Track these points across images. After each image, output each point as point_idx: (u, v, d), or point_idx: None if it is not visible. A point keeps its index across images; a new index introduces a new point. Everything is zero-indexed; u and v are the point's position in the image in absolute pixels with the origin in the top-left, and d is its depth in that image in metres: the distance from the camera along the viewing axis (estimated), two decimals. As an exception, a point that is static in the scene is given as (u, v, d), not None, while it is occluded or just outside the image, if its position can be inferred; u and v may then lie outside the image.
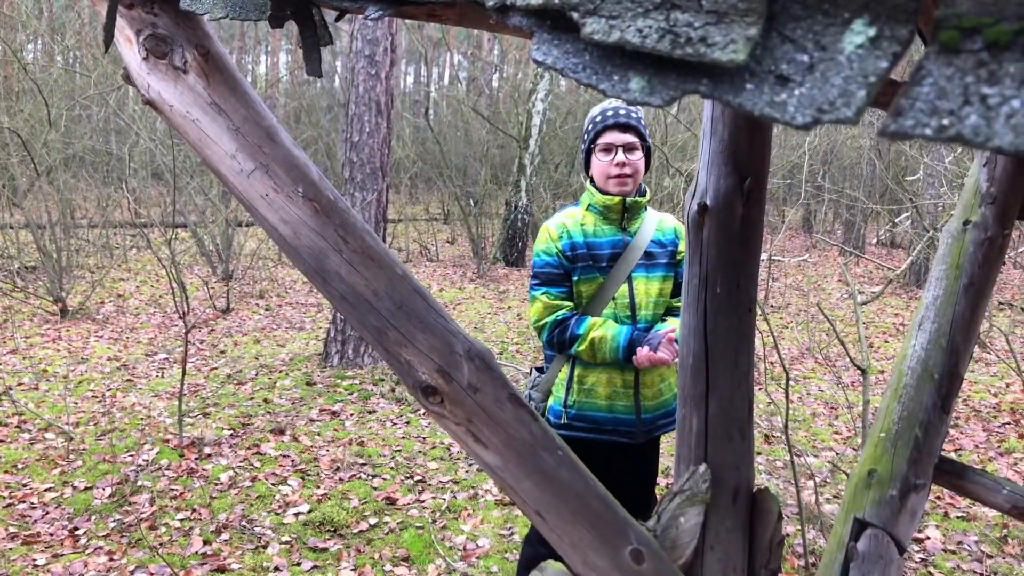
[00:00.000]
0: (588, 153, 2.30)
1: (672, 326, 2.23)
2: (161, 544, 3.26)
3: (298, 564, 3.14)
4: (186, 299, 5.35)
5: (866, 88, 0.44)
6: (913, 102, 0.41)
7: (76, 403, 5.03)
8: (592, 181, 2.32)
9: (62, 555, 3.15)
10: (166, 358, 6.28)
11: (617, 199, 2.25)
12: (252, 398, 5.25)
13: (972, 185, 1.63)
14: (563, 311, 2.25)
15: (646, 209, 2.35)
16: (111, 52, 1.14)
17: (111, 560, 3.12)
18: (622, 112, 2.23)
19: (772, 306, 9.21)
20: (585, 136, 2.31)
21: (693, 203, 1.34)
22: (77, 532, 3.35)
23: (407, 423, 4.85)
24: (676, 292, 2.36)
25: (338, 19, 1.13)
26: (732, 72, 0.50)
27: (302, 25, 0.99)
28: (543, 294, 2.27)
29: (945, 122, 0.40)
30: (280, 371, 5.94)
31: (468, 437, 1.18)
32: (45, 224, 8.54)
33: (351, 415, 4.97)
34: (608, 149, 2.23)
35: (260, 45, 31.14)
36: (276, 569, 3.10)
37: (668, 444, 4.61)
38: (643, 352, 2.13)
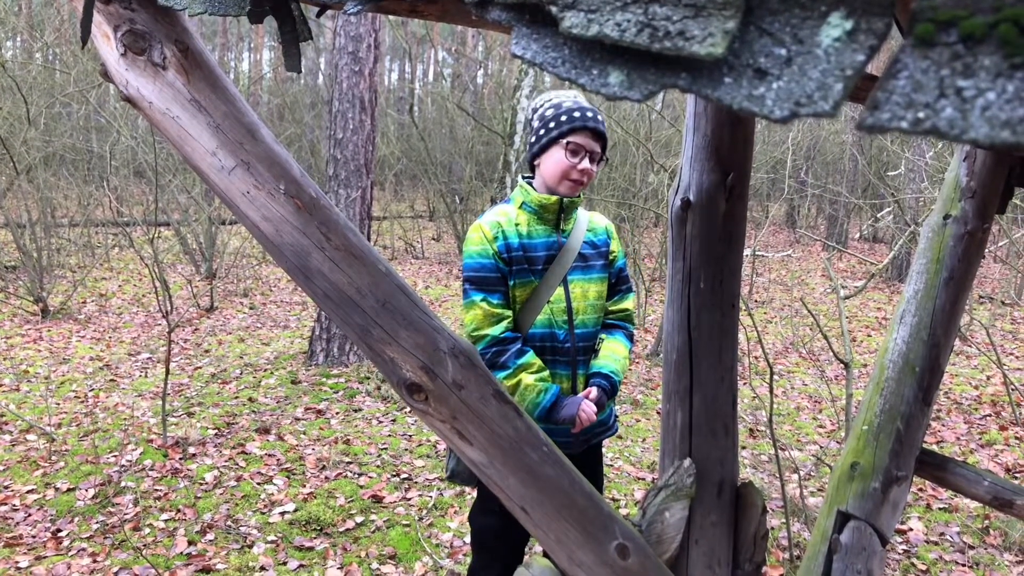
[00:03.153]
0: (547, 143, 2.16)
1: (597, 376, 2.17)
2: (145, 545, 3.23)
3: (284, 563, 3.13)
4: (169, 298, 5.31)
5: (843, 81, 0.45)
6: (889, 95, 0.41)
7: (58, 404, 4.98)
8: (526, 176, 2.22)
9: (45, 557, 3.12)
10: (149, 358, 6.24)
11: (555, 199, 2.14)
12: (237, 397, 5.22)
13: (952, 180, 1.65)
14: (504, 323, 2.13)
15: (578, 208, 2.28)
16: (92, 49, 1.13)
17: (95, 562, 3.09)
18: (600, 118, 2.15)
19: (756, 301, 9.27)
20: (551, 125, 2.16)
21: (676, 199, 1.34)
22: (60, 534, 3.32)
23: (393, 421, 4.84)
24: (611, 294, 2.31)
25: (319, 14, 1.12)
26: (710, 66, 0.50)
27: (281, 20, 0.98)
28: (483, 300, 2.12)
29: (921, 115, 0.40)
30: (265, 370, 5.91)
31: (453, 434, 1.17)
32: (25, 223, 8.45)
33: (337, 413, 4.96)
34: (577, 151, 2.12)
35: (243, 42, 30.91)
36: (262, 569, 3.08)
37: (654, 439, 4.63)
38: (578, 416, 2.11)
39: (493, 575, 2.38)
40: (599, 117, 2.17)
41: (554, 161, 2.16)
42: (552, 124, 2.18)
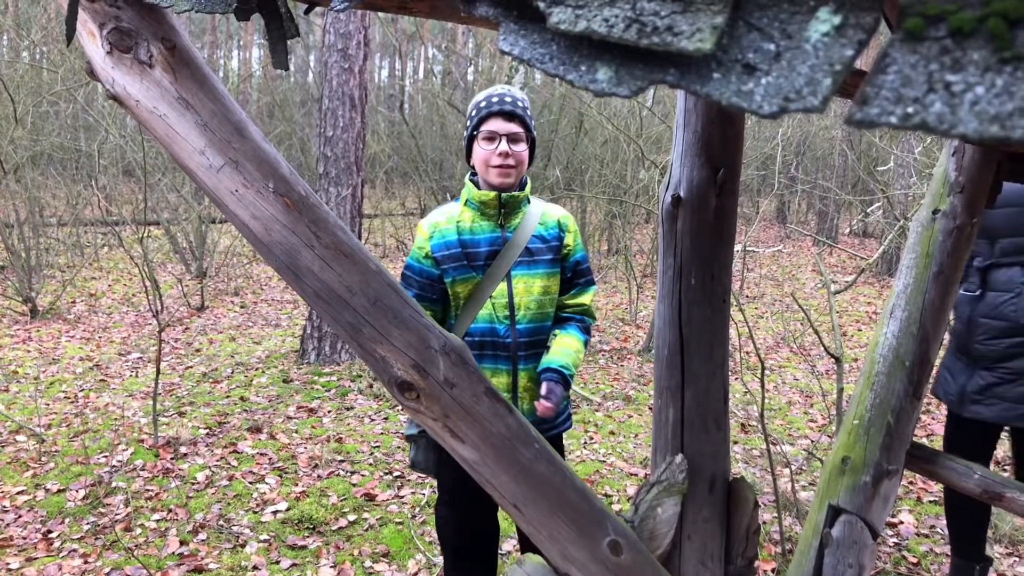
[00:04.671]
0: (471, 140, 2.18)
1: (547, 371, 2.15)
2: (137, 545, 3.22)
3: (277, 563, 3.12)
4: (159, 297, 5.29)
5: (832, 76, 0.44)
6: (878, 90, 0.41)
7: (48, 404, 4.95)
8: (473, 172, 2.22)
9: (36, 558, 3.10)
10: (140, 357, 6.20)
11: (493, 195, 2.15)
12: (228, 396, 5.20)
13: (941, 175, 1.65)
14: None
15: (528, 203, 2.24)
16: (79, 47, 1.12)
17: (86, 563, 3.08)
18: (508, 100, 2.12)
19: (747, 296, 9.29)
20: (468, 122, 2.19)
21: (667, 195, 1.34)
22: (51, 535, 3.30)
23: (385, 419, 4.83)
24: (566, 289, 2.28)
25: (307, 11, 1.12)
26: (699, 61, 0.49)
27: (268, 17, 0.98)
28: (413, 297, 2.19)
29: (910, 110, 0.40)
30: (256, 369, 5.89)
31: (445, 432, 1.17)
32: (13, 223, 8.39)
33: (329, 412, 4.95)
34: (491, 138, 2.12)
35: (232, 40, 30.76)
36: (255, 568, 3.07)
37: (646, 434, 4.63)
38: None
39: (451, 567, 2.40)
40: (508, 98, 2.13)
41: (477, 154, 2.17)
42: (469, 121, 2.20)
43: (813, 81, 0.45)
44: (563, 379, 2.16)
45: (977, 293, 2.57)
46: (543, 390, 2.13)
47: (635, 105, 9.09)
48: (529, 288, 2.17)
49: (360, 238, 7.08)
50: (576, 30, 0.51)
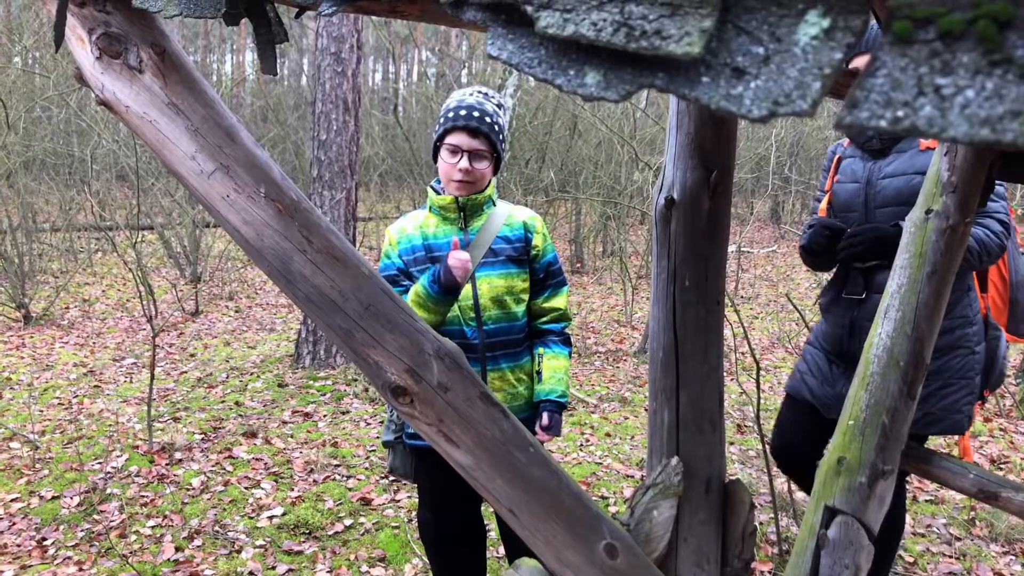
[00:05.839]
0: (436, 147, 2.20)
1: (547, 403, 2.23)
2: (132, 552, 3.20)
3: (273, 568, 3.11)
4: (154, 302, 5.27)
5: (821, 80, 0.44)
6: (868, 93, 0.41)
7: (42, 411, 4.92)
8: (438, 179, 2.25)
9: (30, 566, 3.09)
10: (134, 363, 6.18)
11: (450, 199, 2.17)
12: (223, 401, 5.19)
13: (933, 175, 1.65)
14: None
15: (493, 204, 2.26)
16: (71, 52, 1.11)
17: (80, 570, 3.06)
18: (475, 115, 2.11)
19: (742, 297, 9.31)
20: (436, 127, 2.19)
21: (660, 197, 1.34)
22: (45, 542, 3.28)
23: (381, 423, 4.82)
24: (539, 291, 2.28)
25: (298, 15, 1.11)
26: (688, 65, 0.49)
27: (256, 22, 0.97)
28: None
29: (900, 113, 0.40)
30: (251, 373, 5.87)
31: (439, 437, 1.17)
32: (6, 229, 8.36)
33: (324, 416, 4.93)
34: (454, 151, 2.13)
35: (225, 44, 30.69)
36: (251, 574, 3.06)
37: (643, 436, 4.63)
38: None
39: (437, 571, 2.43)
40: (476, 113, 2.12)
41: (440, 163, 2.19)
42: (437, 126, 2.21)
43: (802, 85, 0.45)
44: (560, 407, 2.24)
45: (862, 296, 2.47)
46: (544, 421, 2.21)
47: (629, 107, 9.11)
48: (493, 288, 2.19)
49: (354, 242, 7.07)
50: (564, 34, 0.51)
